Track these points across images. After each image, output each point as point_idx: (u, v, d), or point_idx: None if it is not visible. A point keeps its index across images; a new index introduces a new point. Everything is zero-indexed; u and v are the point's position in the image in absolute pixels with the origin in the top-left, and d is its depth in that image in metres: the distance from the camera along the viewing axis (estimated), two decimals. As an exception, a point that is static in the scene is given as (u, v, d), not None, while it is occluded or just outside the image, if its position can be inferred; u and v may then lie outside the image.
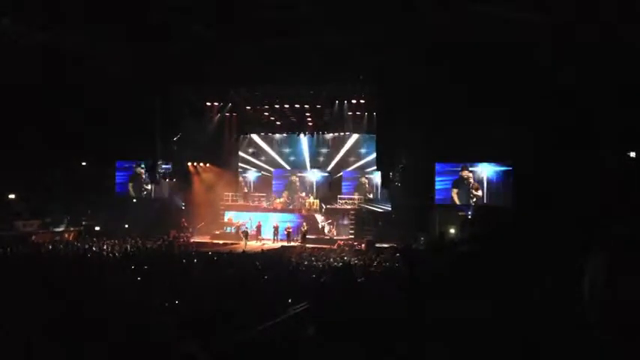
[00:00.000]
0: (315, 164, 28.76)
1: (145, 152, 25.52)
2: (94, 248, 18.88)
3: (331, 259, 17.06)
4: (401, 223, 23.15)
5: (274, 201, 27.57)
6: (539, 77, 17.38)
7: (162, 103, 24.43)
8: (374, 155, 25.20)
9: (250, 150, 29.80)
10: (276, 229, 25.31)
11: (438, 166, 22.82)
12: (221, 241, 24.60)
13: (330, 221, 25.94)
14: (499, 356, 1.95)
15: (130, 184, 27.95)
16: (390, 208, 25.27)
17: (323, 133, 28.25)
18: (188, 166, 27.66)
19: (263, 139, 29.68)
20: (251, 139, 29.83)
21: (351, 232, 25.63)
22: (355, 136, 27.80)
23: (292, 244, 23.88)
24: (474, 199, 22.43)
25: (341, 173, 28.20)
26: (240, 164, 29.97)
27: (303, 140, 28.81)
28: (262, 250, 20.34)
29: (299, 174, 28.76)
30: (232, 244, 23.79)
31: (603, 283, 1.46)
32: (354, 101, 25.21)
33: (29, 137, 21.97)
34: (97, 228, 25.19)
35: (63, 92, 21.74)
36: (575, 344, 1.74)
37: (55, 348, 4.93)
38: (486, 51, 16.99)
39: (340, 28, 16.43)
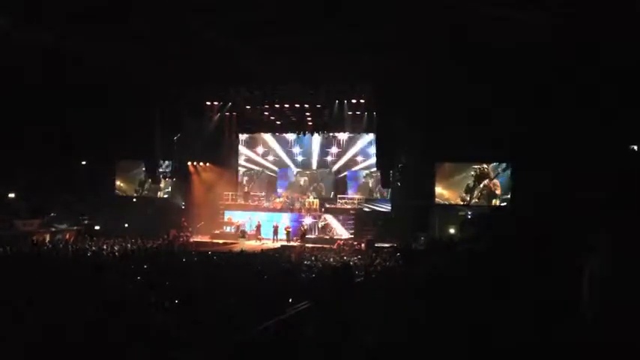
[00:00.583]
0: (322, 164, 28.61)
1: (144, 152, 25.53)
2: (93, 248, 18.88)
3: (331, 259, 17.07)
4: (401, 222, 23.15)
5: (274, 201, 27.55)
6: (539, 77, 17.40)
7: (162, 103, 24.44)
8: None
9: (260, 149, 29.65)
10: (275, 228, 25.31)
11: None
12: (221, 241, 24.60)
13: (329, 221, 25.93)
14: (500, 355, 1.95)
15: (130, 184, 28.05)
16: (389, 208, 25.27)
17: (333, 133, 28.00)
18: (188, 165, 27.66)
19: (276, 138, 29.50)
20: (260, 138, 29.68)
21: (350, 231, 25.63)
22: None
23: (292, 243, 23.88)
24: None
25: (345, 173, 28.05)
26: (245, 163, 29.81)
27: (314, 140, 28.63)
28: (262, 249, 20.34)
29: (305, 173, 28.56)
30: (232, 243, 23.80)
31: (603, 282, 1.47)
32: (353, 101, 25.20)
33: (29, 137, 21.98)
34: (97, 227, 25.19)
35: (63, 92, 21.76)
36: (575, 343, 1.74)
37: (55, 347, 4.93)
38: (486, 51, 17.01)
39: (341, 28, 16.43)
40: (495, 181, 22.70)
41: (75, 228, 24.74)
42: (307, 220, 25.70)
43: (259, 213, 26.67)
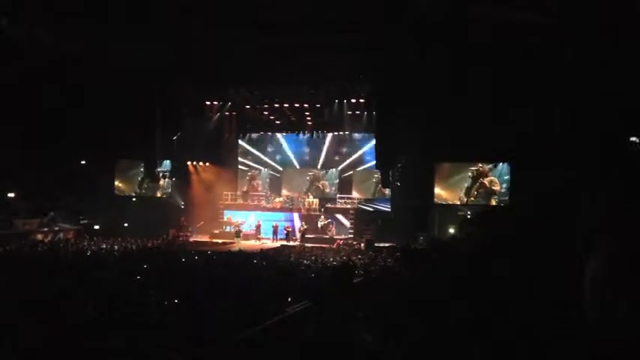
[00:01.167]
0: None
1: (144, 151, 25.51)
2: (93, 247, 18.87)
3: (330, 259, 17.06)
4: (400, 222, 23.16)
5: (274, 200, 27.55)
6: (538, 77, 17.40)
7: (162, 102, 24.43)
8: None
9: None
10: (275, 228, 25.31)
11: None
12: (220, 241, 24.60)
13: (329, 221, 25.93)
14: (502, 355, 1.96)
15: (129, 184, 28.03)
16: (389, 208, 25.27)
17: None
18: (187, 165, 27.67)
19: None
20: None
21: (350, 231, 25.64)
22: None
23: (291, 243, 23.88)
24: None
25: (350, 172, 28.01)
26: (249, 162, 29.73)
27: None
28: (261, 249, 20.33)
29: (310, 173, 28.48)
30: (231, 243, 23.81)
31: (603, 282, 1.47)
32: (353, 100, 25.21)
33: (29, 136, 21.96)
34: (97, 227, 25.18)
35: (63, 91, 21.73)
36: (575, 343, 1.74)
37: (54, 347, 4.93)
38: (486, 51, 17.01)
39: (340, 28, 16.44)
40: (492, 179, 22.73)
41: (74, 228, 24.74)
42: (307, 220, 25.68)
43: (259, 213, 26.66)
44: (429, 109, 20.47)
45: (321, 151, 28.56)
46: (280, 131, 29.06)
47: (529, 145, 18.74)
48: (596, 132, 16.00)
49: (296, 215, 26.16)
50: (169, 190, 27.52)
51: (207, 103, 26.84)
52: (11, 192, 23.37)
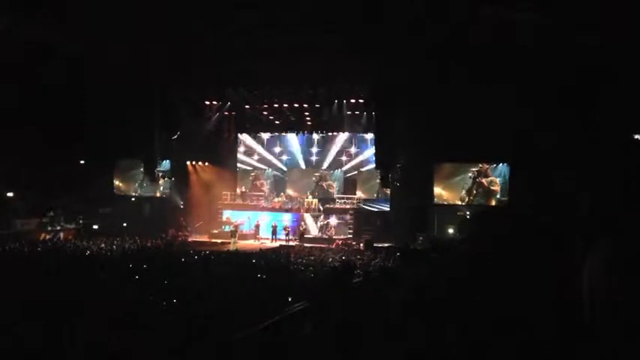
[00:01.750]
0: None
1: (143, 151, 25.50)
2: (92, 247, 18.86)
3: (330, 259, 17.07)
4: (400, 222, 23.15)
5: (273, 200, 27.54)
6: (538, 76, 17.40)
7: (161, 102, 24.42)
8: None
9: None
10: (274, 228, 25.30)
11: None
12: (219, 240, 24.58)
13: (328, 221, 25.92)
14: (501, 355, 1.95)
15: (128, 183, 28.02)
16: (388, 208, 25.26)
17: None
18: (187, 165, 27.65)
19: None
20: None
21: (349, 231, 25.63)
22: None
23: (290, 243, 23.86)
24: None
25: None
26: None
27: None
28: (261, 249, 20.32)
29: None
30: (229, 243, 23.76)
31: (602, 282, 1.47)
32: (352, 100, 25.20)
33: (28, 136, 21.93)
34: (96, 227, 25.16)
35: (62, 91, 21.72)
36: (575, 345, 1.74)
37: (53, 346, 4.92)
38: (485, 51, 17.01)
39: (340, 28, 16.43)
40: (492, 179, 22.74)
41: (73, 227, 24.72)
42: (306, 220, 25.67)
43: (258, 213, 26.64)
44: (429, 109, 20.46)
45: (328, 151, 28.53)
46: (280, 131, 29.06)
47: (529, 145, 18.75)
48: (597, 132, 16.01)
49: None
50: (168, 189, 27.51)
51: (207, 102, 26.81)
52: (10, 192, 23.35)
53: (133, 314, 6.59)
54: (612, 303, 1.42)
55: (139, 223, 24.78)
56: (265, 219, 26.17)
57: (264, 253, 18.36)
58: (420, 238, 21.68)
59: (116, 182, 28.06)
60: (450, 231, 21.76)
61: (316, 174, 28.31)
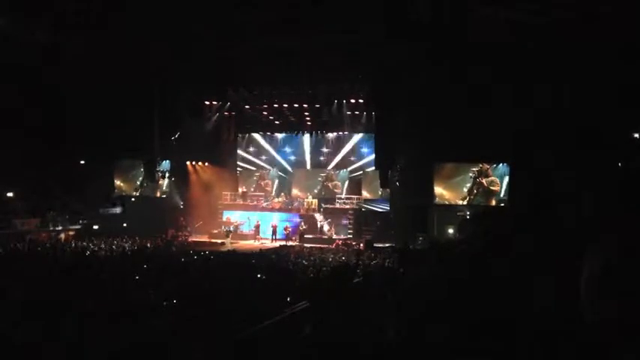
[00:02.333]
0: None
1: (143, 151, 25.50)
2: (92, 247, 18.85)
3: (330, 259, 17.05)
4: (400, 223, 23.13)
5: (273, 200, 27.53)
6: (538, 76, 17.40)
7: (161, 102, 24.42)
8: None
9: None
10: (274, 228, 25.29)
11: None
12: (219, 241, 24.57)
13: (328, 221, 25.91)
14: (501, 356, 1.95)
15: (128, 183, 28.01)
16: (388, 208, 25.24)
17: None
18: (187, 165, 27.65)
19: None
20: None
21: (349, 231, 25.61)
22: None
23: (290, 243, 23.85)
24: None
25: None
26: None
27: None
28: (260, 249, 20.31)
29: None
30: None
31: (602, 282, 1.46)
32: (352, 101, 25.19)
33: (28, 136, 21.94)
34: (96, 227, 25.15)
35: (62, 91, 21.73)
36: (573, 345, 1.74)
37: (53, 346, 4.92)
38: (485, 51, 17.01)
39: (340, 28, 16.43)
40: (492, 179, 22.72)
41: (73, 227, 24.71)
42: (306, 220, 25.66)
43: (258, 213, 26.64)
44: (429, 109, 20.46)
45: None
46: (280, 131, 29.07)
47: (529, 145, 18.74)
48: (596, 132, 16.00)
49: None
50: (168, 189, 27.51)
51: (207, 103, 26.81)
52: (10, 192, 23.35)
53: (133, 314, 6.59)
54: (612, 303, 1.42)
55: (138, 223, 24.77)
56: (265, 219, 26.14)
57: (264, 254, 18.35)
58: (420, 238, 21.66)
59: (116, 182, 28.05)
60: (450, 231, 21.74)
61: (322, 174, 28.31)
